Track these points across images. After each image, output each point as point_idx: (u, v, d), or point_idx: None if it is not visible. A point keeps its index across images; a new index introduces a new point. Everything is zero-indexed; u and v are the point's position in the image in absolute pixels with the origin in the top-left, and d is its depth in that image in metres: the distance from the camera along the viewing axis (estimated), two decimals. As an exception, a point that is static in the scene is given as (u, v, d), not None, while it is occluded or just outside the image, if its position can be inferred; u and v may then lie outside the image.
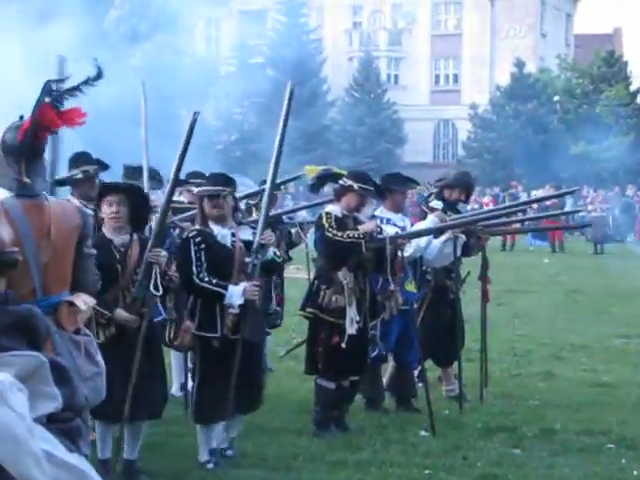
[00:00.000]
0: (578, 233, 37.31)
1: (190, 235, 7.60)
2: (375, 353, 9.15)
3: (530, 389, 10.92)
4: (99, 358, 5.23)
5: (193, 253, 7.45)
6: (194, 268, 7.42)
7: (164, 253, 7.15)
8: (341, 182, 9.02)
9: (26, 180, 5.16)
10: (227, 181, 7.94)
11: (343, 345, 8.78)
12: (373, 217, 9.65)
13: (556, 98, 56.39)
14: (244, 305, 7.43)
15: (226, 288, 7.42)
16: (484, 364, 10.44)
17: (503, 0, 63.46)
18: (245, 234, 7.76)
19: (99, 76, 5.17)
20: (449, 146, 64.61)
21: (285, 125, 7.96)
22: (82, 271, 5.36)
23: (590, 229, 32.70)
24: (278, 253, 8.11)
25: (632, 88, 54.98)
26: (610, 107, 52.38)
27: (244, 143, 57.39)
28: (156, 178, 9.77)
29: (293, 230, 11.32)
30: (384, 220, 9.46)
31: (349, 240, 8.72)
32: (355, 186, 8.88)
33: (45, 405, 1.47)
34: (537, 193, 36.45)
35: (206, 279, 7.40)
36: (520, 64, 57.06)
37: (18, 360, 1.47)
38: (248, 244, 7.66)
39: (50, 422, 1.45)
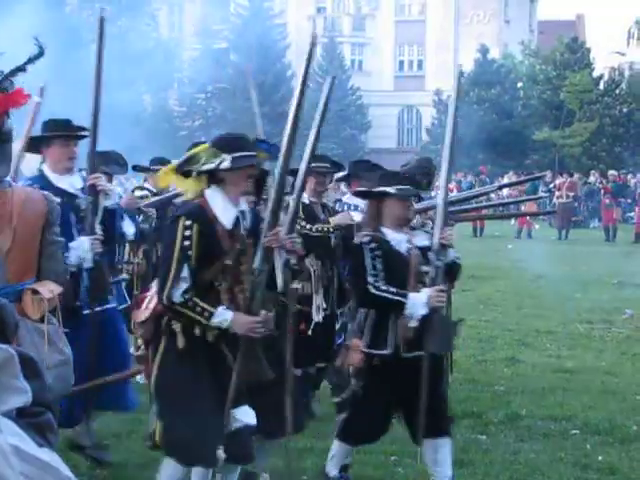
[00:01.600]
0: (542, 219, 37.41)
1: (363, 241, 6.67)
2: (341, 340, 9.16)
3: (495, 375, 10.96)
4: (64, 346, 5.20)
5: (369, 260, 6.60)
6: (369, 277, 6.56)
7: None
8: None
9: None
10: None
11: (309, 332, 8.77)
12: (339, 201, 9.67)
13: (520, 84, 56.63)
14: (427, 315, 6.56)
15: (406, 297, 6.54)
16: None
17: (467, -14, 63.65)
18: (420, 240, 6.84)
19: (40, 54, 5.23)
20: (413, 132, 64.75)
21: (321, 121, 6.73)
22: (48, 259, 5.31)
23: (556, 215, 32.94)
24: (459, 255, 7.07)
25: (595, 74, 55.23)
26: (574, 93, 52.63)
27: (208, 129, 57.15)
28: (119, 162, 9.69)
29: None
30: (351, 206, 9.44)
31: (317, 234, 8.71)
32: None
33: (14, 399, 1.44)
34: (502, 180, 36.54)
35: (383, 287, 6.53)
36: (484, 50, 57.22)
37: None
38: (424, 250, 6.76)
39: (20, 416, 1.42)
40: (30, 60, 5.17)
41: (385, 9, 65.88)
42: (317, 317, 8.76)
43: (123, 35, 55.40)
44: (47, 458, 1.40)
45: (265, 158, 6.29)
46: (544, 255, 23.70)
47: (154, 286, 5.71)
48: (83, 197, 7.12)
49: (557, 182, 37.12)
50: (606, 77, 55.24)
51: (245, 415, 5.81)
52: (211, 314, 5.47)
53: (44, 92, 7.25)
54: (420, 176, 10.49)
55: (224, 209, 5.58)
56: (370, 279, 6.53)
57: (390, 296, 6.52)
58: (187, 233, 5.43)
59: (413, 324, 6.54)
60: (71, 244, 6.80)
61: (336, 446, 7.02)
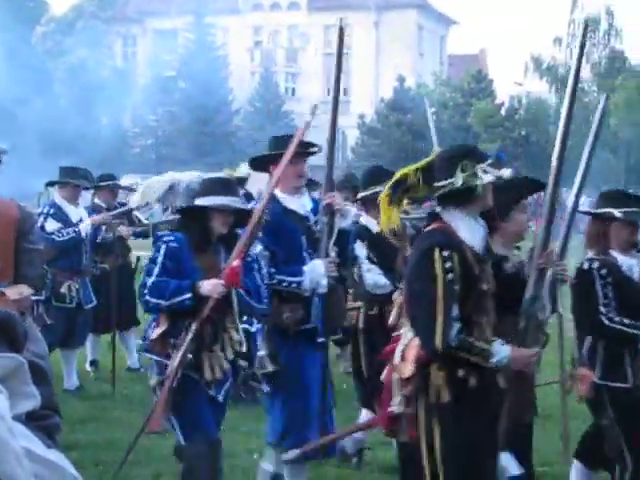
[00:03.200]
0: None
1: (593, 266, 5.50)
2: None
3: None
4: (32, 346, 5.09)
5: (599, 288, 5.44)
6: (601, 307, 5.41)
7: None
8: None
9: None
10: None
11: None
12: None
13: (432, 109, 56.95)
14: None
15: None
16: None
17: (386, 24, 63.99)
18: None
19: None
20: (340, 151, 64.82)
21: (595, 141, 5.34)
22: (23, 265, 5.21)
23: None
24: None
25: (497, 102, 55.89)
26: (479, 118, 53.19)
27: (158, 147, 56.97)
28: (87, 178, 9.65)
29: None
30: None
31: None
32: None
33: (24, 404, 1.41)
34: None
35: (616, 319, 5.40)
36: (401, 80, 57.53)
37: None
38: None
39: (29, 420, 1.40)
40: None
41: (314, 43, 66.00)
42: None
43: (82, 64, 55.01)
44: (55, 458, 1.38)
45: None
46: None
47: (407, 333, 4.49)
48: (315, 218, 5.95)
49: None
50: (507, 104, 55.89)
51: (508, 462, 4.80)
52: (490, 353, 4.28)
53: None
54: (346, 190, 10.40)
55: (472, 231, 4.36)
56: (602, 309, 5.42)
57: (626, 329, 5.43)
58: (448, 265, 4.20)
59: None
60: (305, 268, 5.76)
61: (576, 467, 5.98)
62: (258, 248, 5.58)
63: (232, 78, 59.84)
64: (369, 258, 6.92)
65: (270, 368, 5.73)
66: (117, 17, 62.03)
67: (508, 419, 4.57)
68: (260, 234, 5.52)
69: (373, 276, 6.88)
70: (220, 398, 5.40)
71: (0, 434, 1.27)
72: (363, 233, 6.90)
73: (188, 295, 5.05)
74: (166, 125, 57.20)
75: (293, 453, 5.62)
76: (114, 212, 9.97)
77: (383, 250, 6.87)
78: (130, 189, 13.13)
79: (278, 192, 5.85)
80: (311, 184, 9.23)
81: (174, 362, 5.08)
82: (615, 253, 5.56)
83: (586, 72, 55.95)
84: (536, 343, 4.65)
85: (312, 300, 5.84)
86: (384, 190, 4.47)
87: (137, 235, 10.90)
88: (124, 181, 11.54)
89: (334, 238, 5.89)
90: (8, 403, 1.33)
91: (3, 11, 58.93)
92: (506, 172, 4.32)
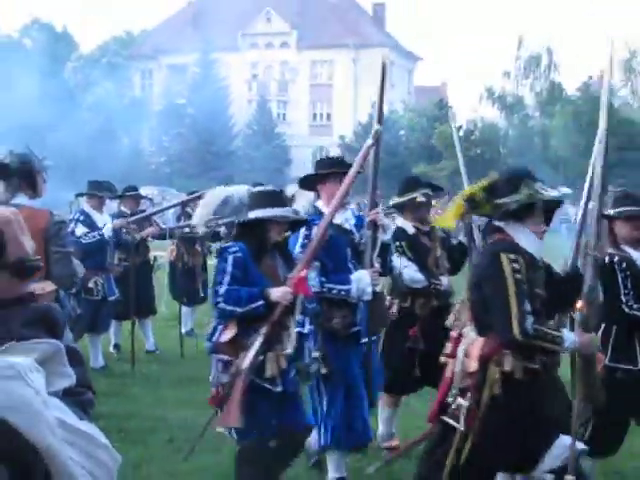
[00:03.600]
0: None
1: (615, 260, 5.34)
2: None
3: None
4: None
5: (620, 280, 5.30)
6: (623, 296, 5.28)
7: None
8: None
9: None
10: None
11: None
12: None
13: (402, 132, 57.09)
14: None
15: None
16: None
17: (363, 59, 63.97)
18: None
19: None
20: (323, 167, 64.91)
21: None
22: (52, 264, 5.20)
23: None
24: None
25: (456, 125, 55.99)
26: (441, 139, 53.29)
27: (170, 163, 56.87)
28: (110, 190, 9.66)
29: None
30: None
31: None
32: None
33: (61, 382, 1.41)
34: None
35: (635, 306, 5.29)
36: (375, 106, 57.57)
37: (39, 347, 1.42)
38: None
39: (65, 395, 1.40)
40: None
41: (302, 76, 66.00)
42: None
43: (107, 94, 54.85)
44: (86, 428, 1.37)
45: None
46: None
47: (469, 332, 4.36)
48: (360, 232, 5.73)
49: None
50: (464, 127, 56.00)
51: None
52: (562, 339, 4.17)
53: None
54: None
55: (530, 242, 4.27)
56: (623, 298, 5.31)
57: None
58: (515, 266, 4.12)
59: None
60: (351, 277, 5.56)
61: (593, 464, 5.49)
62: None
63: (233, 105, 59.77)
64: (406, 256, 6.73)
65: (322, 370, 5.44)
66: (136, 54, 61.94)
67: (580, 404, 4.38)
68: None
69: (410, 272, 6.69)
70: (290, 389, 5.01)
71: (35, 406, 1.26)
72: (400, 235, 6.69)
73: (261, 302, 4.80)
74: (177, 145, 57.13)
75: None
76: (131, 218, 9.95)
77: (418, 250, 6.78)
78: (149, 199, 13.12)
79: (324, 208, 5.60)
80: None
81: (244, 362, 4.80)
82: (627, 248, 5.41)
83: (530, 100, 56.22)
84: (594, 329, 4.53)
85: (358, 305, 5.69)
86: (456, 204, 4.35)
87: (154, 237, 10.88)
88: (142, 192, 11.52)
89: (377, 250, 5.72)
90: (44, 380, 1.33)
91: (39, 50, 58.84)
92: (562, 190, 4.12)
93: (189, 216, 11.52)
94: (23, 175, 5.43)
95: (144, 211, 10.89)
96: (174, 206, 11.69)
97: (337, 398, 5.63)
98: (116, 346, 10.47)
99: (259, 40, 66.31)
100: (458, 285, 7.37)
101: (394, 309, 6.76)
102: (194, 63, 60.21)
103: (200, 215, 5.24)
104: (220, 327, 4.97)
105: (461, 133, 54.35)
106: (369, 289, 5.56)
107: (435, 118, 55.40)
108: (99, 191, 9.36)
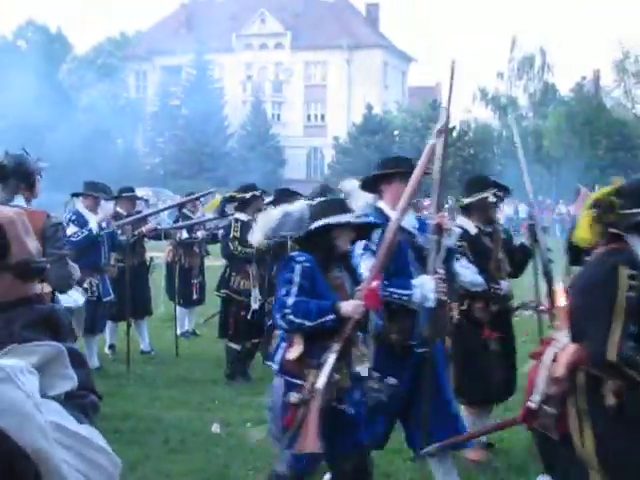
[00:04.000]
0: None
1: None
2: (270, 322, 9.13)
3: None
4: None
5: None
6: None
7: None
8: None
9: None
10: None
11: (248, 317, 8.76)
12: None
13: (396, 132, 57.13)
14: None
15: None
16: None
17: (357, 61, 64.03)
18: None
19: None
20: (318, 167, 64.84)
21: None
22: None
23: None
24: None
25: (450, 126, 55.89)
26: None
27: (165, 164, 56.81)
28: (106, 191, 9.64)
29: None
30: None
31: (244, 254, 8.74)
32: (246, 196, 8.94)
33: (63, 384, 1.42)
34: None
35: None
36: (369, 107, 57.60)
37: (39, 349, 1.42)
38: None
39: (67, 399, 1.41)
40: None
41: (297, 76, 65.98)
42: (255, 305, 8.81)
43: (102, 95, 54.79)
44: (85, 432, 1.38)
45: None
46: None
47: (562, 338, 4.02)
48: (424, 236, 5.30)
49: (426, 203, 37.32)
50: (458, 128, 56.06)
51: None
52: None
53: None
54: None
55: None
56: None
57: None
58: (632, 283, 3.70)
59: None
60: (413, 281, 5.13)
61: None
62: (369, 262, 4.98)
63: (227, 106, 59.76)
64: (467, 257, 6.36)
65: (376, 386, 4.87)
66: (130, 56, 61.87)
67: None
68: (374, 247, 5.00)
69: (471, 275, 6.34)
70: (352, 411, 4.60)
71: (26, 409, 1.27)
72: (462, 234, 6.25)
73: (332, 316, 4.44)
74: (172, 146, 57.07)
75: (432, 448, 5.00)
76: (129, 219, 9.97)
77: (479, 251, 6.46)
78: (145, 200, 13.12)
79: (388, 209, 5.28)
80: (294, 195, 9.20)
81: (319, 382, 4.41)
82: None
83: (524, 101, 56.31)
84: None
85: (418, 314, 5.22)
86: (587, 210, 3.97)
87: (150, 237, 10.90)
88: (137, 193, 11.54)
89: (442, 255, 5.28)
90: (37, 383, 1.34)
91: (34, 52, 58.75)
92: None
93: (186, 217, 11.56)
94: (20, 176, 5.42)
95: (140, 212, 10.90)
96: (171, 207, 11.72)
97: (390, 415, 5.25)
98: (111, 347, 10.48)
99: (253, 41, 66.31)
100: (521, 287, 7.03)
101: (455, 314, 6.42)
102: (188, 64, 60.19)
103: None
104: (284, 344, 4.63)
105: (455, 134, 54.43)
106: (432, 295, 5.10)
107: (429, 118, 55.40)
108: (95, 192, 9.36)
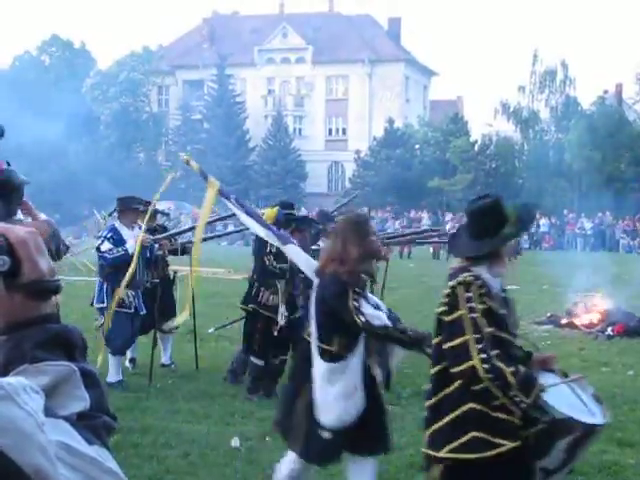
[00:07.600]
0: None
1: None
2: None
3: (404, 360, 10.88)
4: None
5: None
6: None
7: None
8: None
9: None
10: None
11: (275, 333, 8.72)
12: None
13: (417, 146, 57.08)
14: None
15: None
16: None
17: (378, 75, 64.11)
18: None
19: (1, 134, 5.10)
20: (339, 181, 64.86)
21: None
22: None
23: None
24: None
25: (472, 139, 55.86)
26: (456, 153, 53.26)
27: (187, 178, 57.02)
28: (142, 203, 9.66)
29: None
30: None
31: (279, 270, 8.69)
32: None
33: (75, 405, 1.40)
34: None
35: None
36: (391, 121, 57.62)
37: (51, 369, 1.41)
38: None
39: (79, 420, 1.39)
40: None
41: (318, 90, 66.13)
42: (282, 321, 8.74)
43: (124, 109, 55.17)
44: (94, 454, 1.35)
45: None
46: (438, 271, 23.76)
47: None
48: None
49: (448, 218, 37.46)
50: (479, 141, 55.95)
51: None
52: None
53: None
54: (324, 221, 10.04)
55: None
56: None
57: None
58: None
59: None
60: None
61: None
62: None
63: (249, 120, 60.00)
64: None
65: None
66: (153, 70, 62.24)
67: None
68: None
69: None
70: None
71: (26, 428, 1.25)
72: None
73: None
74: (193, 160, 57.24)
75: None
76: (160, 236, 9.97)
77: None
78: (166, 213, 13.16)
79: None
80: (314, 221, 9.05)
81: None
82: None
83: (545, 114, 56.11)
84: None
85: None
86: None
87: (170, 252, 10.88)
88: (158, 206, 11.53)
89: None
90: (42, 402, 1.32)
91: (59, 67, 59.30)
92: None
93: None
94: (18, 191, 5.40)
95: (163, 226, 10.89)
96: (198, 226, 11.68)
97: None
98: (132, 360, 10.47)
99: (275, 55, 66.56)
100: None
101: None
102: (210, 79, 60.54)
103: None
104: None
105: (476, 147, 54.39)
106: None
107: (450, 132, 55.39)
108: (132, 204, 9.40)
